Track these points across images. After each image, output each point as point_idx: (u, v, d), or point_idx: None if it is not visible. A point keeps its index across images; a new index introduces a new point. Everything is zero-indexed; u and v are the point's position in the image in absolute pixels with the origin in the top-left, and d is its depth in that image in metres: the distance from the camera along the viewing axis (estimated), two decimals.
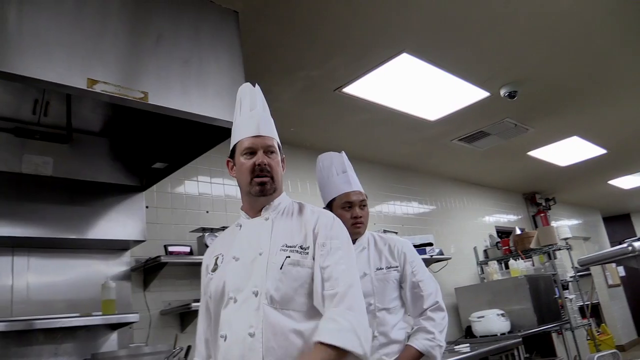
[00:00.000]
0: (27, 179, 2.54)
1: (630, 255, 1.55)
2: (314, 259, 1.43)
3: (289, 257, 1.43)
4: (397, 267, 2.08)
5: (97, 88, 1.82)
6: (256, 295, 1.40)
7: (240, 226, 1.60)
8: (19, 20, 1.70)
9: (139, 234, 2.91)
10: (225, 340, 1.41)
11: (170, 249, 3.10)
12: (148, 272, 3.06)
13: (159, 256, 2.93)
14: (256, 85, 1.68)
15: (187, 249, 3.18)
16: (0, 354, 2.40)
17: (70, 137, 2.40)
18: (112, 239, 2.81)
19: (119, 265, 2.95)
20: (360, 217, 2.08)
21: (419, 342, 1.94)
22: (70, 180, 2.68)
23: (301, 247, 1.45)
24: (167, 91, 2.05)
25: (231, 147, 1.62)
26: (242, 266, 1.47)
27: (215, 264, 1.56)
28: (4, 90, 2.22)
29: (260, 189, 1.52)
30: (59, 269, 2.71)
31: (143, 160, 2.90)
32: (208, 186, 3.67)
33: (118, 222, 2.84)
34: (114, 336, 2.75)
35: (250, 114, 1.60)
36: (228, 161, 1.64)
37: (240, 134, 1.59)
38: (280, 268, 1.41)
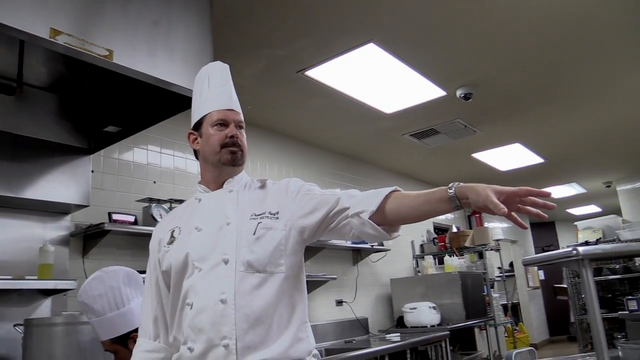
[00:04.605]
0: None
1: (574, 258, 1.62)
2: (285, 224, 1.44)
3: (261, 222, 1.43)
4: None
5: (60, 40, 1.71)
6: (226, 262, 1.38)
7: (200, 200, 1.57)
8: None
9: (83, 199, 2.78)
10: (191, 308, 1.37)
11: (115, 216, 2.98)
12: (88, 238, 2.94)
13: (102, 223, 2.81)
14: (226, 64, 1.66)
15: (132, 219, 3.07)
16: None
17: (20, 89, 2.24)
18: (53, 201, 2.67)
19: (57, 229, 2.81)
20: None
21: None
22: (13, 135, 2.51)
23: (270, 213, 1.45)
24: (133, 51, 1.95)
25: (196, 120, 1.58)
26: (206, 236, 1.44)
27: (172, 236, 1.52)
28: None
29: (232, 157, 1.51)
30: None
31: (94, 122, 2.77)
32: (157, 156, 3.55)
33: (61, 184, 2.70)
34: (47, 302, 2.63)
35: (221, 89, 1.59)
36: (190, 133, 1.60)
37: (210, 106, 1.56)
38: (254, 234, 1.41)
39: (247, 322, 1.33)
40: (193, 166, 3.77)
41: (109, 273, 1.84)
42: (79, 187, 2.77)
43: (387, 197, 1.36)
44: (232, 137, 1.51)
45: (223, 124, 1.52)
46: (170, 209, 3.23)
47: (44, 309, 2.62)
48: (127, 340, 1.79)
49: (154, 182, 3.48)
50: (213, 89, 1.58)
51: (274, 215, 1.45)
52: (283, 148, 4.82)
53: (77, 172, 2.78)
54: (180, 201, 3.28)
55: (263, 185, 1.58)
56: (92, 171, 2.92)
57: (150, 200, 3.18)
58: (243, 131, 1.57)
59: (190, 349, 1.35)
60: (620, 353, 2.05)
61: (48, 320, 2.26)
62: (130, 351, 1.58)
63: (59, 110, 2.68)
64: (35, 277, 2.47)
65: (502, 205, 1.18)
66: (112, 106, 2.68)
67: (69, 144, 2.74)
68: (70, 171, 2.75)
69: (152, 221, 3.08)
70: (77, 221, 2.93)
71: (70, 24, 1.75)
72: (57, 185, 2.68)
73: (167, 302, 1.49)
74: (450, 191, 1.27)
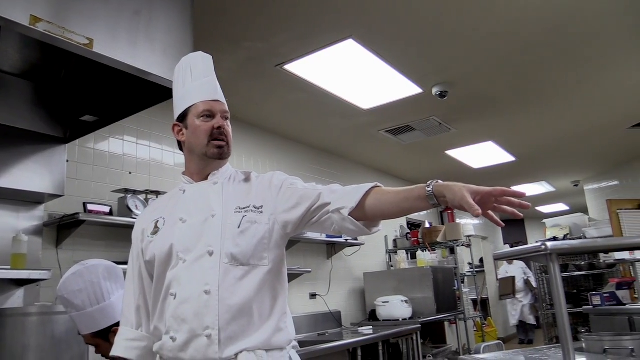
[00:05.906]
0: None
1: (542, 253, 1.68)
2: (269, 218, 1.46)
3: (246, 216, 1.45)
4: None
5: (40, 27, 1.69)
6: (211, 254, 1.39)
7: (184, 191, 1.58)
8: None
9: (57, 188, 2.74)
10: (175, 298, 1.39)
11: (90, 207, 2.95)
12: (62, 228, 2.90)
13: (77, 213, 2.78)
14: (209, 55, 1.66)
15: (107, 209, 3.04)
16: None
17: None
18: (26, 190, 2.62)
19: (31, 219, 2.77)
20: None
21: None
22: None
23: (254, 207, 1.47)
24: (114, 41, 1.95)
25: (181, 111, 1.58)
26: (190, 227, 1.45)
27: (156, 227, 1.52)
28: None
29: (219, 151, 1.52)
30: None
31: (70, 111, 2.72)
32: (134, 147, 3.52)
33: (35, 173, 2.66)
34: (19, 292, 2.59)
35: (206, 80, 1.59)
36: (175, 125, 1.60)
37: (195, 97, 1.56)
38: (239, 227, 1.43)
39: (230, 313, 1.35)
40: (169, 158, 3.75)
41: (89, 268, 1.82)
42: (53, 176, 2.74)
43: (367, 193, 1.39)
44: (218, 128, 1.51)
45: (209, 115, 1.53)
46: (146, 200, 3.22)
47: (16, 299, 2.58)
48: (108, 334, 1.78)
49: (130, 173, 3.45)
50: (197, 80, 1.58)
51: (258, 209, 1.47)
52: (259, 141, 4.82)
53: (51, 162, 2.74)
54: (156, 192, 3.27)
55: (247, 179, 1.59)
56: (67, 161, 2.88)
57: (126, 191, 3.16)
58: (228, 122, 1.58)
59: (173, 339, 1.36)
60: (583, 344, 2.13)
61: (22, 310, 2.24)
62: (112, 345, 1.59)
63: (34, 98, 2.64)
64: (8, 267, 2.44)
65: (476, 207, 1.22)
66: (88, 95, 2.64)
67: (43, 133, 2.69)
68: (44, 160, 2.71)
69: (128, 212, 3.06)
70: (51, 211, 2.89)
71: (50, 12, 1.73)
72: (31, 174, 2.64)
73: (149, 292, 1.50)
74: (429, 189, 1.31)
